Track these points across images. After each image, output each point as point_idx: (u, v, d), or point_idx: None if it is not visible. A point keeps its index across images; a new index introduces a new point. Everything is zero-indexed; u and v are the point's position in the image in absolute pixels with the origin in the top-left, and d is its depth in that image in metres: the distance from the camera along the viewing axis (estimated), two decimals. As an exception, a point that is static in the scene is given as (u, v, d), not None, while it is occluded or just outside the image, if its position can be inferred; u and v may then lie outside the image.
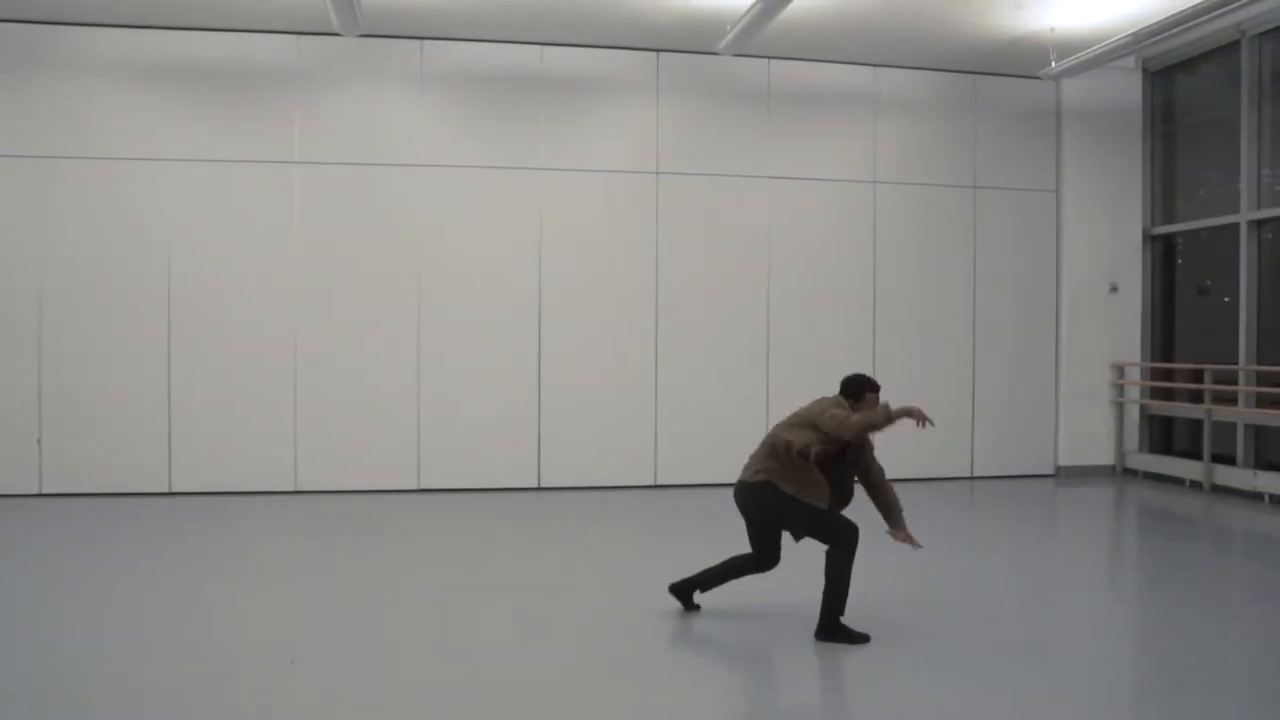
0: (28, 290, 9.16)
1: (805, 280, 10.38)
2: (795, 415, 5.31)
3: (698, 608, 5.62)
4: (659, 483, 10.07)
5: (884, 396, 5.29)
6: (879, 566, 6.97)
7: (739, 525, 5.49)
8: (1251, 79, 9.88)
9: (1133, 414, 11.14)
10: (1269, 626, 5.85)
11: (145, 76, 9.33)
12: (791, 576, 5.58)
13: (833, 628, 5.15)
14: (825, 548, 5.20)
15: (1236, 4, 7.93)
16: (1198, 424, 10.28)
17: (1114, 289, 11.01)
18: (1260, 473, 9.49)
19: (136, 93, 9.33)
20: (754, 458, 5.36)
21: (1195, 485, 10.10)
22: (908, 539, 5.34)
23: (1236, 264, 10.03)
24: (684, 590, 5.62)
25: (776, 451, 5.21)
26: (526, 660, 4.96)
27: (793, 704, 4.65)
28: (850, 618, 5.17)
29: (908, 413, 4.90)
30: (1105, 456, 11.10)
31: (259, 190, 9.48)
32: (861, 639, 5.12)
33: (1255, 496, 9.47)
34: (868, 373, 5.52)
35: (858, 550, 5.17)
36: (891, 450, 10.22)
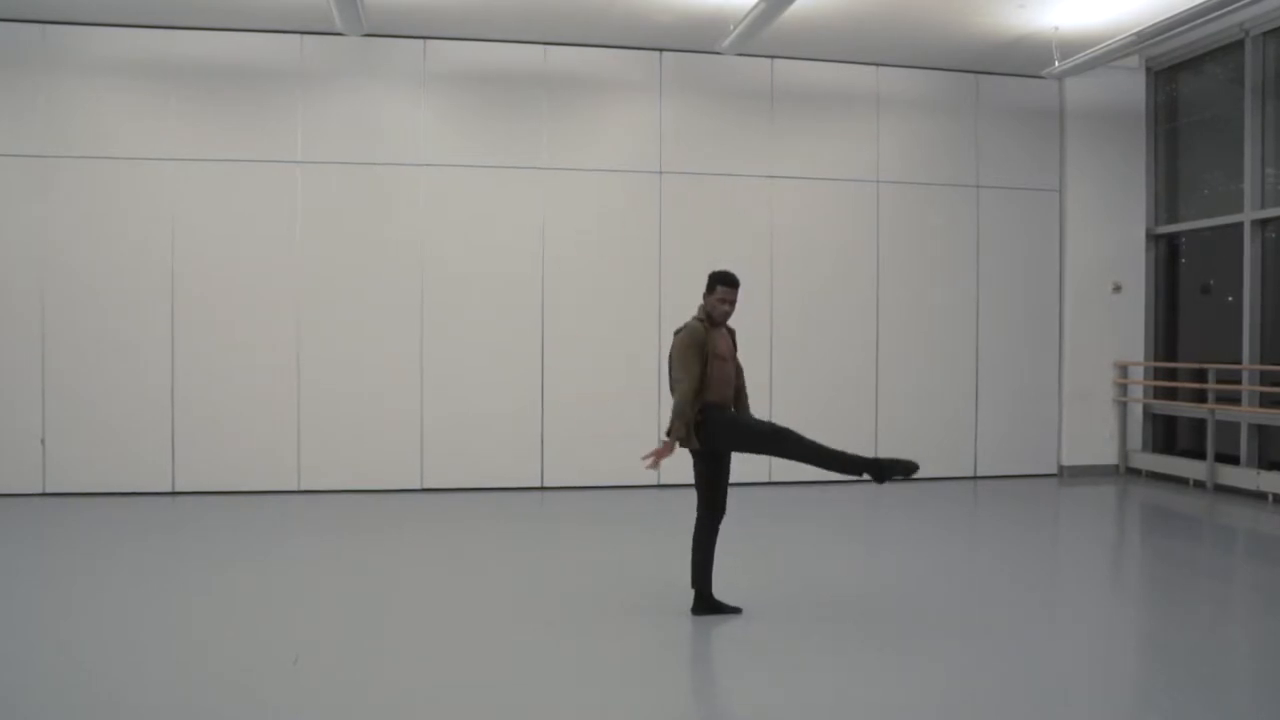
0: (30, 290, 9.17)
1: (808, 280, 10.37)
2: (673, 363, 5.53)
3: (738, 610, 5.58)
4: (663, 483, 10.05)
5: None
6: (881, 565, 6.98)
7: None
8: (1255, 78, 9.87)
9: (1136, 413, 11.13)
10: (1272, 626, 5.85)
11: (147, 76, 9.33)
12: (812, 566, 5.59)
13: (705, 602, 5.46)
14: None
15: (1240, 3, 7.92)
16: (1201, 423, 10.27)
17: (1117, 288, 11.01)
18: (1264, 472, 9.48)
19: (138, 92, 9.33)
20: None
21: (1199, 485, 10.09)
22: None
23: (1240, 263, 10.02)
24: (705, 601, 5.58)
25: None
26: (530, 660, 4.96)
27: (793, 700, 4.64)
28: (849, 615, 5.16)
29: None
30: (1108, 456, 11.09)
31: (262, 190, 9.49)
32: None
33: (1259, 496, 9.46)
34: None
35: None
36: (893, 449, 10.29)
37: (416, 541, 7.96)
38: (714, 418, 5.42)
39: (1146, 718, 4.46)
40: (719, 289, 5.55)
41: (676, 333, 5.58)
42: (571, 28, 9.54)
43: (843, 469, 5.27)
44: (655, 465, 5.30)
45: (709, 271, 5.64)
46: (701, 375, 5.38)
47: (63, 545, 7.56)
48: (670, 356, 5.51)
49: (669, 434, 5.34)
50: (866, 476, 5.24)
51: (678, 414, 5.32)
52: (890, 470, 5.21)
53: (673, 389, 5.40)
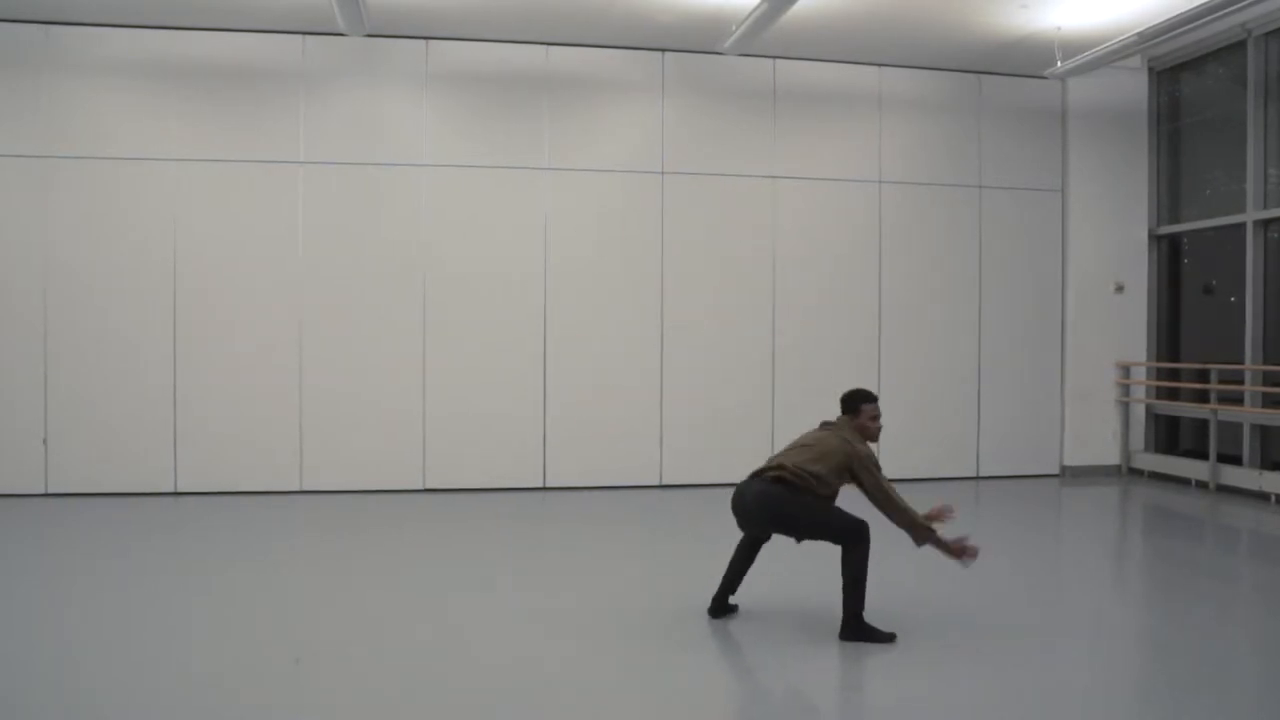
0: (32, 290, 9.17)
1: (810, 280, 10.37)
2: (825, 449, 5.21)
3: (735, 607, 5.58)
4: (664, 483, 10.07)
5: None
6: (884, 566, 6.97)
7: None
8: (1257, 78, 9.85)
9: (1138, 414, 11.12)
10: (1274, 626, 5.85)
11: (149, 76, 9.33)
12: (815, 571, 5.57)
13: (856, 627, 5.11)
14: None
15: (1242, 4, 7.91)
16: (1203, 424, 10.26)
17: (1120, 288, 11.00)
18: (1266, 473, 9.47)
19: (140, 93, 9.33)
20: (786, 458, 5.29)
21: (1201, 485, 10.08)
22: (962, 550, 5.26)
23: (1242, 263, 10.01)
24: (720, 604, 5.55)
25: (802, 473, 5.15)
26: (533, 661, 4.96)
27: (795, 703, 4.64)
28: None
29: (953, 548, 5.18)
30: (1111, 456, 11.08)
31: (263, 190, 9.49)
32: (887, 638, 5.08)
33: (1261, 496, 9.45)
34: (867, 385, 5.55)
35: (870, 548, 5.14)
36: (895, 450, 10.30)
37: (419, 542, 7.95)
38: (800, 499, 5.18)
39: (1149, 717, 4.46)
40: (865, 408, 5.37)
41: (841, 436, 5.28)
42: (573, 28, 9.54)
43: (848, 589, 5.16)
44: (968, 555, 5.18)
45: (841, 396, 5.46)
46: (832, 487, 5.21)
47: (64, 545, 7.57)
48: (843, 462, 5.18)
49: (932, 538, 5.18)
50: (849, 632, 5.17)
51: (918, 527, 5.17)
52: (858, 635, 5.12)
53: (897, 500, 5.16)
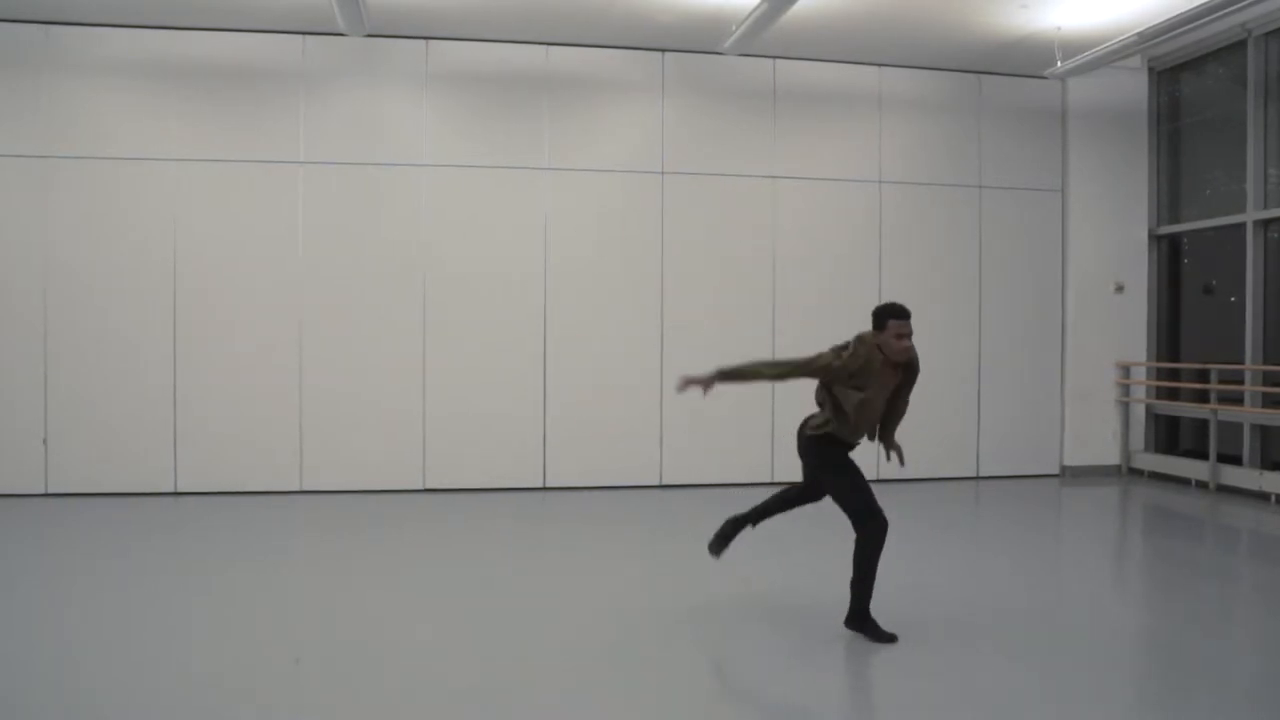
0: (32, 290, 9.17)
1: (810, 280, 10.37)
2: None
3: (718, 556, 5.63)
4: (664, 483, 10.07)
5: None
6: (885, 565, 6.97)
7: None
8: (1257, 78, 9.85)
9: (1138, 414, 11.11)
10: (1274, 626, 5.84)
11: (149, 76, 9.33)
12: (816, 568, 5.57)
13: (861, 621, 5.14)
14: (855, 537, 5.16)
15: (1243, 4, 7.91)
16: (1204, 424, 10.26)
17: (1120, 288, 11.00)
18: (1266, 473, 9.47)
19: (140, 93, 9.33)
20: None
21: (1201, 485, 10.08)
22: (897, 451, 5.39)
23: (1242, 263, 10.01)
24: (734, 528, 5.58)
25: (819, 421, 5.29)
26: (534, 661, 4.96)
27: (796, 703, 4.64)
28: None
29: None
30: (1111, 456, 11.08)
31: (264, 190, 9.49)
32: (889, 638, 5.07)
33: (1261, 496, 9.45)
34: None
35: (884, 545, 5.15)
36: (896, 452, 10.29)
37: (419, 542, 7.95)
38: (825, 453, 5.26)
39: (1148, 717, 4.45)
40: (891, 323, 5.13)
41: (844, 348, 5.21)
42: (573, 28, 9.54)
43: (855, 584, 5.15)
44: (684, 389, 5.15)
45: (872, 310, 5.26)
46: (838, 406, 5.21)
47: (64, 545, 7.56)
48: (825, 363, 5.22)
49: (721, 372, 5.12)
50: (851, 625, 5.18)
51: (744, 371, 5.18)
52: (861, 629, 5.14)
53: (784, 363, 5.21)
